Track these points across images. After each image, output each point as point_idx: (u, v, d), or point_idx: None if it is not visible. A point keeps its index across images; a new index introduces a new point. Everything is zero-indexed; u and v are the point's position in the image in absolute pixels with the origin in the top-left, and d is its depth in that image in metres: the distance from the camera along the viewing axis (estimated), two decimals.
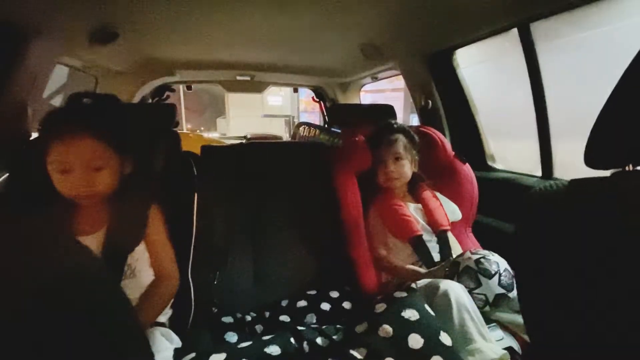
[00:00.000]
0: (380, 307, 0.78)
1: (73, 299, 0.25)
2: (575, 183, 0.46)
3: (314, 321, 0.95)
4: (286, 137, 5.00)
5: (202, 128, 7.67)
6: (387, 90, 5.39)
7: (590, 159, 0.46)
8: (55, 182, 0.75)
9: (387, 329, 0.72)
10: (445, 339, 0.71)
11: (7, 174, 0.87)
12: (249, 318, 0.97)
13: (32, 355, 0.22)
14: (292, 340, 0.77)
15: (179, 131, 1.21)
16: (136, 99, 1.94)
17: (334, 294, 1.03)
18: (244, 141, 2.49)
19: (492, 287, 0.84)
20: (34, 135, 1.02)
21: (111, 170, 0.79)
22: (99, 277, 0.29)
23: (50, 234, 0.27)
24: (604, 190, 0.44)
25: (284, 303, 1.02)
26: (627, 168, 0.44)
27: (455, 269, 0.90)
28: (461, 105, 1.45)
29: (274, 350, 0.72)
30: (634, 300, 0.38)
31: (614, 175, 0.45)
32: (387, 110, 1.49)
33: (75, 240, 0.28)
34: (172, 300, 0.90)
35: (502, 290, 0.84)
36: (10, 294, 0.22)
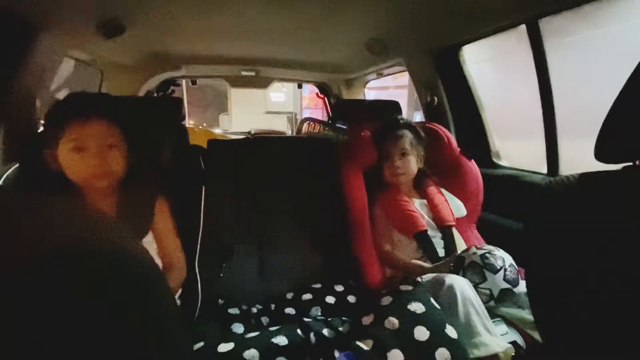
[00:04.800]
0: (387, 300, 0.79)
1: (114, 287, 0.23)
2: (586, 177, 0.47)
3: (319, 314, 0.95)
4: (289, 133, 5.00)
5: (204, 124, 7.67)
6: (391, 87, 5.37)
7: (601, 153, 0.46)
8: (70, 163, 0.77)
9: (393, 321, 0.72)
10: (450, 331, 0.72)
11: (17, 165, 0.88)
12: (254, 310, 0.98)
13: (66, 348, 0.21)
14: (298, 331, 0.77)
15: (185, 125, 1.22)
16: (141, 93, 1.95)
17: (339, 288, 1.04)
18: (249, 136, 2.49)
19: (497, 282, 0.85)
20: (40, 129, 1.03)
21: (122, 152, 0.81)
22: (145, 262, 0.27)
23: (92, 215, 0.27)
24: (614, 184, 0.44)
25: (289, 296, 1.03)
26: (637, 162, 0.45)
27: (460, 264, 0.90)
28: (467, 102, 1.45)
29: (281, 340, 0.73)
30: None
31: (624, 169, 0.46)
32: (393, 106, 1.49)
33: (106, 216, 0.28)
34: (180, 292, 0.91)
35: (507, 285, 0.85)
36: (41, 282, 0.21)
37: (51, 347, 0.20)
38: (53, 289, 0.21)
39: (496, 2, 1.05)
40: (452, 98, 1.48)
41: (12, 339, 0.19)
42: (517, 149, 1.52)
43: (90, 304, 0.22)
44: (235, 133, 4.39)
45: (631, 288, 0.39)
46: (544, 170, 1.22)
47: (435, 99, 1.51)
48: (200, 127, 5.70)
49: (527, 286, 0.50)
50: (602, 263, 0.41)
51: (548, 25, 1.08)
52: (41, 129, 1.02)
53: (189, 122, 6.94)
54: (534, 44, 1.10)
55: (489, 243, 1.12)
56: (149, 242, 0.87)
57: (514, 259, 0.90)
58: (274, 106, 7.86)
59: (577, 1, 0.94)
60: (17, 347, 0.19)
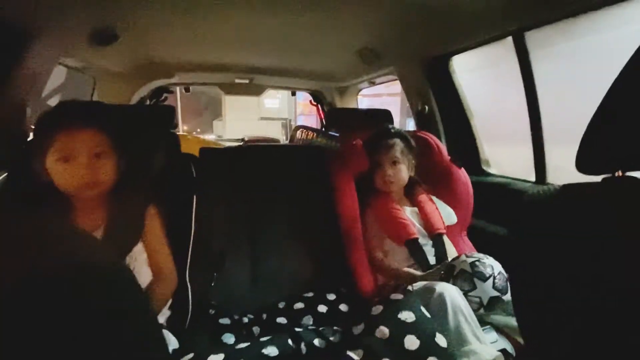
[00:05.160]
0: (377, 309, 0.79)
1: (95, 296, 0.24)
2: (568, 188, 0.48)
3: (311, 323, 0.95)
4: (283, 140, 5.01)
5: (198, 130, 7.66)
6: (384, 94, 5.44)
7: (582, 165, 0.48)
8: (58, 174, 0.76)
9: (383, 331, 0.73)
10: (440, 340, 0.72)
11: (6, 174, 0.87)
12: (246, 320, 0.97)
13: (66, 348, 0.21)
14: (289, 341, 0.77)
15: (177, 133, 1.22)
16: (134, 101, 1.94)
17: (331, 297, 1.04)
18: (242, 144, 2.50)
19: (487, 290, 0.86)
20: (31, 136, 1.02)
21: (111, 161, 0.80)
22: (122, 274, 0.28)
23: (65, 230, 0.27)
24: (595, 195, 0.46)
25: (281, 305, 1.03)
26: (616, 174, 0.46)
27: (450, 272, 0.91)
28: (457, 111, 1.48)
29: (271, 351, 0.73)
30: (625, 302, 0.39)
31: (604, 180, 0.47)
32: (384, 115, 1.51)
33: (89, 234, 0.28)
34: (170, 302, 0.90)
35: (497, 293, 0.86)
36: (26, 294, 0.21)
37: (51, 347, 0.20)
38: (53, 290, 0.21)
39: (484, 15, 1.08)
40: (442, 107, 1.51)
41: (13, 338, 0.19)
42: (515, 154, 1.54)
43: (89, 304, 0.22)
44: (229, 140, 4.38)
45: (613, 296, 0.40)
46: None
47: (426, 107, 1.53)
48: (194, 133, 5.69)
49: (511, 292, 0.51)
50: (584, 271, 0.42)
51: (549, 33, 1.10)
52: (32, 136, 1.02)
53: (183, 129, 6.92)
54: (520, 55, 1.13)
55: (479, 250, 1.13)
56: (139, 251, 0.86)
57: (503, 265, 0.91)
58: (269, 112, 7.89)
59: (562, 14, 0.97)
60: (17, 347, 0.19)
